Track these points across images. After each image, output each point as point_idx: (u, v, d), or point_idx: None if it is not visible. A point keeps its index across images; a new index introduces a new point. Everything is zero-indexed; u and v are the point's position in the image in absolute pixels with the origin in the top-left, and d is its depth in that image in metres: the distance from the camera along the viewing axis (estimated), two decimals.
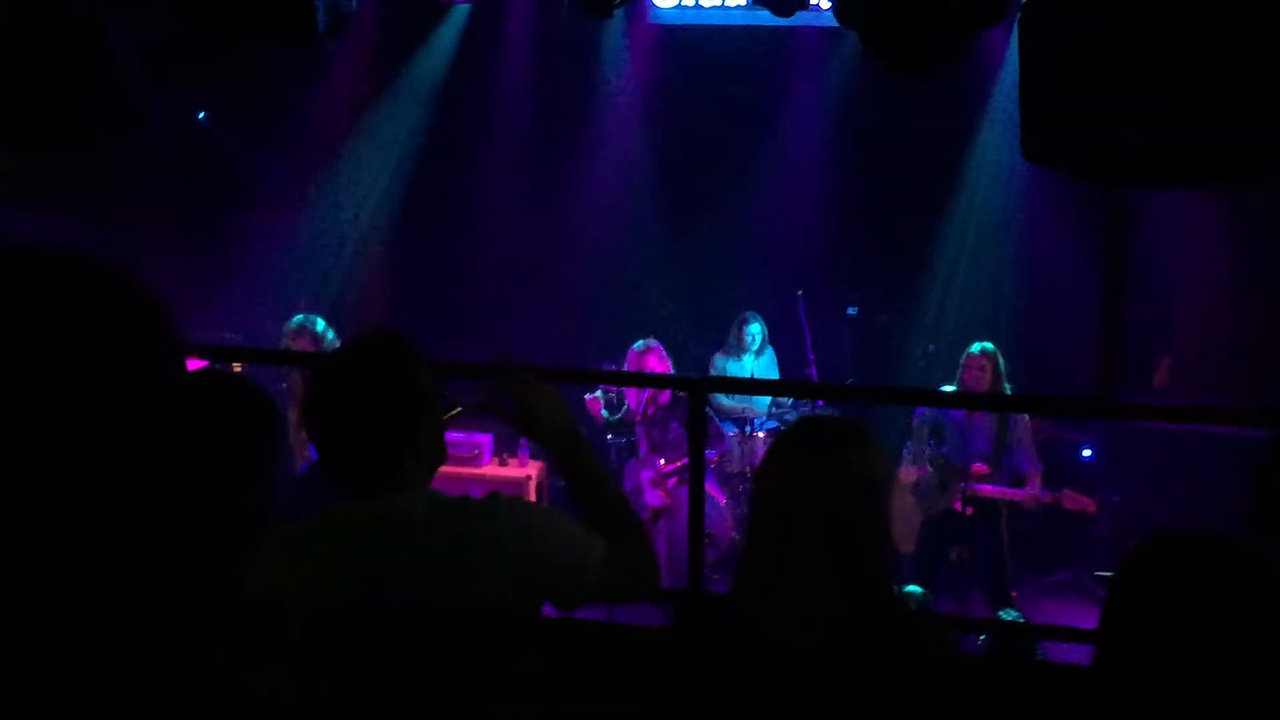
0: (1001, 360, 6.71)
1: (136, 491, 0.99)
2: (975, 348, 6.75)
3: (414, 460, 2.30)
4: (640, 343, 7.22)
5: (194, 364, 4.99)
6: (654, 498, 7.04)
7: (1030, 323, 8.73)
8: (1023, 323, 8.69)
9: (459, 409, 2.48)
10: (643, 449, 7.16)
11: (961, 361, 6.78)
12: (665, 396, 7.14)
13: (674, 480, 7.04)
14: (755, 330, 8.34)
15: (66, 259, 1.01)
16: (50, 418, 0.93)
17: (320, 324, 7.39)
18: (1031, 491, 6.63)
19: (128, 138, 4.51)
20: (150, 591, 1.03)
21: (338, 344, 7.21)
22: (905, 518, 7.01)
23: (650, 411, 7.14)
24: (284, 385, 7.25)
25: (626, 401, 7.46)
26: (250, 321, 8.61)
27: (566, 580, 2.32)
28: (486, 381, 2.51)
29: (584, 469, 2.56)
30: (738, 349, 8.39)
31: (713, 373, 8.45)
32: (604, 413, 7.41)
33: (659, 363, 7.13)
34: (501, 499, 2.29)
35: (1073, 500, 6.62)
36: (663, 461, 7.17)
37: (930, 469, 6.83)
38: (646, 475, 7.10)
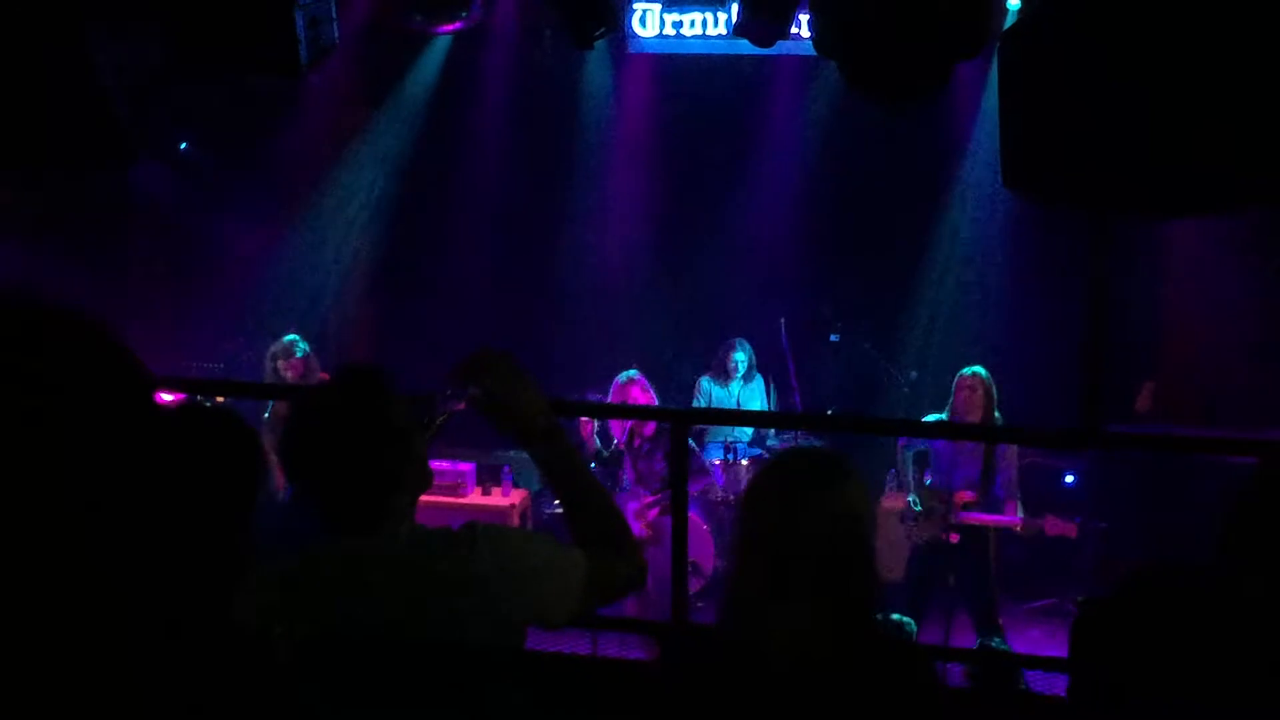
0: (994, 387, 6.73)
1: (111, 527, 0.99)
2: (968, 370, 6.77)
3: (396, 495, 2.29)
4: (624, 374, 7.20)
5: (178, 397, 4.98)
6: (636, 529, 7.02)
7: (1014, 348, 8.75)
8: (1007, 348, 8.71)
9: (442, 419, 2.43)
10: (629, 479, 7.13)
11: (954, 384, 6.79)
12: (650, 429, 7.11)
13: (655, 511, 7.00)
14: (741, 358, 8.35)
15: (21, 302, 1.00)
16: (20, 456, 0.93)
17: (306, 346, 7.39)
18: (1017, 518, 6.64)
19: (118, 167, 4.51)
20: (134, 627, 1.02)
21: (315, 368, 7.22)
22: (893, 546, 7.01)
23: (636, 444, 7.11)
24: (265, 415, 7.23)
25: (611, 432, 7.43)
26: (234, 351, 8.60)
27: (550, 604, 2.30)
28: (457, 370, 2.42)
29: (562, 463, 2.49)
30: (724, 375, 8.40)
31: (699, 395, 8.45)
32: (595, 439, 7.37)
33: (642, 394, 7.11)
34: (479, 528, 2.26)
35: (1055, 526, 6.62)
36: (649, 494, 7.13)
37: (915, 497, 6.83)
38: (632, 507, 7.08)
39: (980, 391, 6.66)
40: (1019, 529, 6.65)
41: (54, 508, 0.93)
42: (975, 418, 6.64)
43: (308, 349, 7.44)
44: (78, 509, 0.95)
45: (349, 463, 2.24)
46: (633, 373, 7.19)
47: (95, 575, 0.96)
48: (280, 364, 7.37)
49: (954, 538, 6.62)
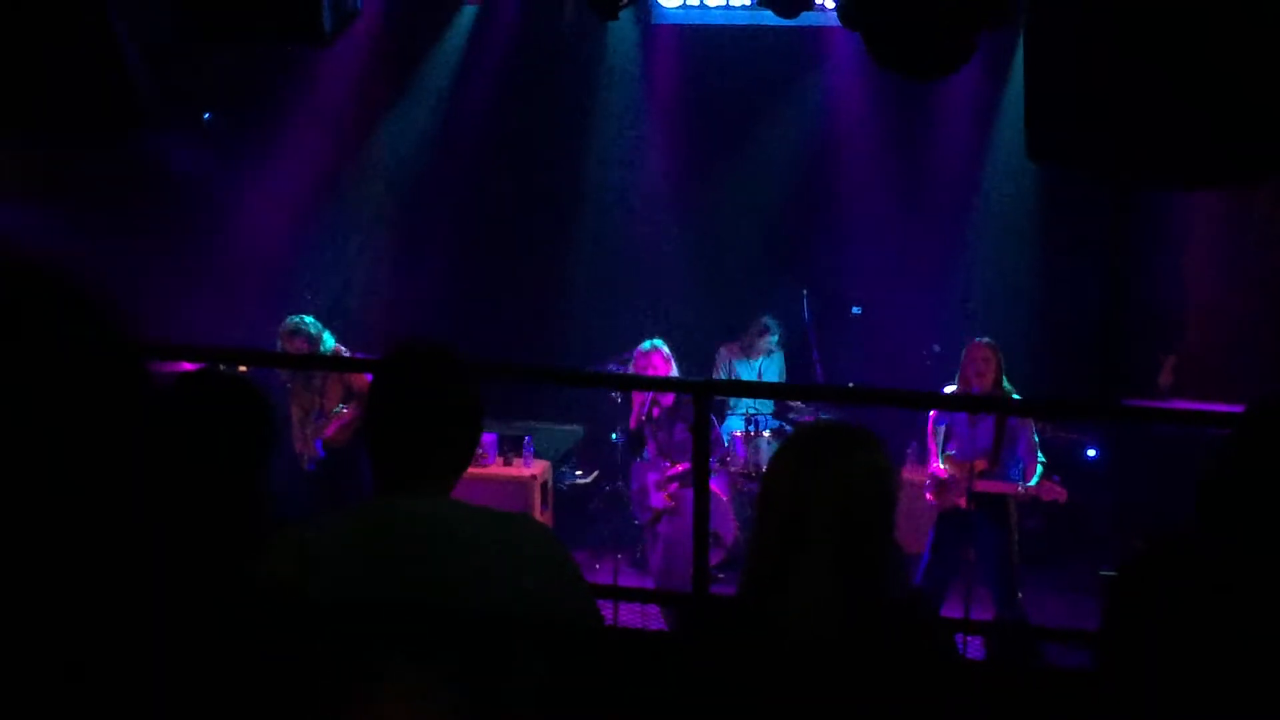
0: (1000, 357, 6.71)
1: (103, 491, 0.97)
2: (981, 340, 6.75)
3: (456, 466, 2.36)
4: (647, 343, 7.19)
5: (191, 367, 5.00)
6: (658, 500, 7.03)
7: (1038, 323, 8.71)
8: (1030, 323, 8.67)
9: None
10: (650, 451, 7.13)
11: (964, 353, 6.77)
12: (668, 399, 7.09)
13: (676, 484, 7.00)
14: (775, 340, 8.43)
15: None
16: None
17: (314, 325, 7.34)
18: (1014, 485, 6.62)
19: (136, 129, 4.51)
20: (141, 592, 1.01)
21: (334, 344, 7.20)
22: (916, 517, 7.00)
23: (655, 414, 7.10)
24: (288, 385, 7.25)
25: (632, 402, 7.44)
26: (255, 320, 8.62)
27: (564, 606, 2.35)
28: None
29: None
30: (751, 351, 8.43)
31: (720, 368, 8.46)
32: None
33: (663, 363, 7.09)
34: (528, 521, 2.35)
35: (1049, 491, 6.61)
36: (670, 465, 7.13)
37: (946, 468, 6.83)
38: (653, 477, 7.09)
39: (992, 363, 6.65)
40: (1018, 494, 6.64)
41: (22, 471, 0.92)
42: (985, 386, 6.61)
43: (317, 327, 7.30)
44: (44, 470, 0.93)
45: (442, 422, 2.32)
46: (657, 341, 7.17)
47: (72, 546, 0.95)
48: (286, 346, 7.34)
49: (972, 507, 6.61)
